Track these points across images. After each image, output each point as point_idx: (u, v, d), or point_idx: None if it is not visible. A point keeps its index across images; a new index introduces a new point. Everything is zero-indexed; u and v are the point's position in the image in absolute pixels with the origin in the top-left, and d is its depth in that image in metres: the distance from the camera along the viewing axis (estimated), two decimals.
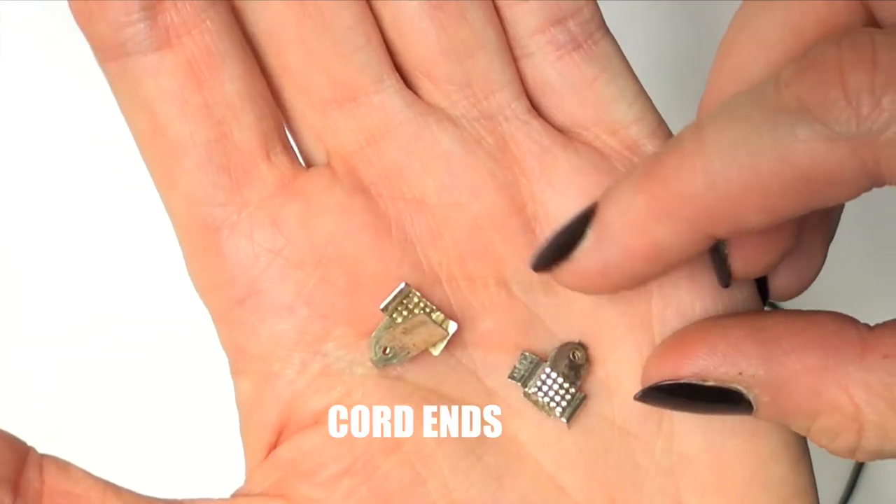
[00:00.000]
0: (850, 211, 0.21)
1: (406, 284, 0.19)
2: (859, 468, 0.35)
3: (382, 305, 0.19)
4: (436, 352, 0.19)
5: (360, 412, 0.19)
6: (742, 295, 0.20)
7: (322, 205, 0.19)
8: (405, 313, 0.19)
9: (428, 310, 0.19)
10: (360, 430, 0.19)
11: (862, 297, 0.33)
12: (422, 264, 0.19)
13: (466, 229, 0.19)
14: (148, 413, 0.39)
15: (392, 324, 0.19)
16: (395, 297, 0.19)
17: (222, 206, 0.19)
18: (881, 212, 0.34)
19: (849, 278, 0.34)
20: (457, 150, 0.19)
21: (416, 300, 0.19)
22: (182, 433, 0.39)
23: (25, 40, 0.39)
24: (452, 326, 0.19)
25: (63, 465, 0.19)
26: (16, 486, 0.18)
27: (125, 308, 0.39)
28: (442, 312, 0.19)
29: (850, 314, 0.18)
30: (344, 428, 0.19)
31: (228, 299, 0.19)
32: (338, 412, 0.19)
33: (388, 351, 0.19)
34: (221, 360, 0.21)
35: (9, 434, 0.18)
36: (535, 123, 0.20)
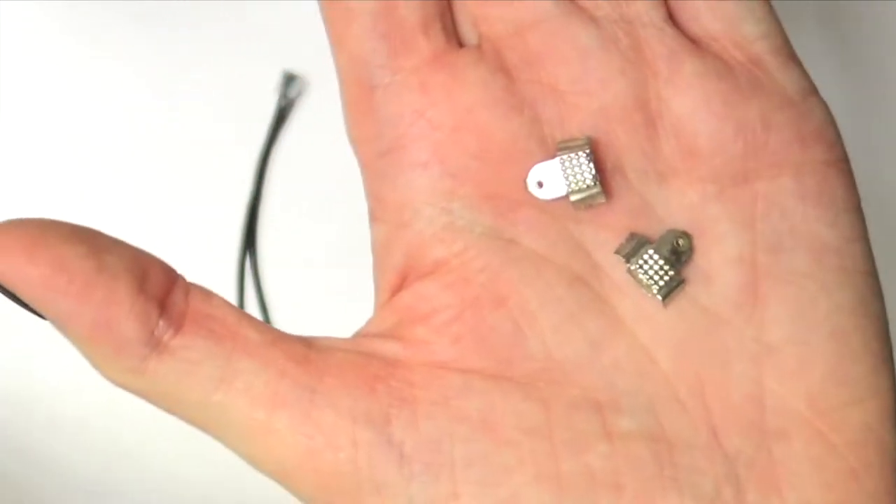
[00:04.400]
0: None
1: (589, 138, 0.21)
2: None
3: (560, 140, 0.21)
4: (573, 198, 0.21)
5: (472, 267, 0.21)
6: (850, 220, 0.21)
7: (466, 78, 0.22)
8: (570, 153, 0.21)
9: (590, 161, 0.21)
10: (471, 282, 0.21)
11: None
12: (547, 142, 0.22)
13: (592, 116, 0.21)
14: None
15: (555, 158, 0.21)
16: (572, 140, 0.21)
17: (379, 68, 0.22)
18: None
19: None
20: (593, 45, 0.22)
21: (588, 151, 0.21)
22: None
23: (25, 40, 0.39)
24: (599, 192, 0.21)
25: (206, 293, 0.21)
26: (163, 305, 0.20)
27: None
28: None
29: None
30: (458, 279, 0.21)
31: (374, 151, 0.22)
32: (454, 264, 0.21)
33: (541, 183, 0.21)
34: None
35: (161, 261, 0.21)
36: (669, 30, 0.22)
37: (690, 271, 0.21)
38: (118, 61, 0.41)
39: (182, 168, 0.40)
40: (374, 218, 0.22)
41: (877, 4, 0.39)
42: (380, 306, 0.22)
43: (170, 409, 0.20)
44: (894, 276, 0.32)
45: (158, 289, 0.20)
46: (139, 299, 0.20)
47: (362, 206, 0.41)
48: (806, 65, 0.23)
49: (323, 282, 0.40)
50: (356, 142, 0.23)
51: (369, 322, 0.22)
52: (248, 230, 0.40)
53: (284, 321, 0.40)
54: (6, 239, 0.20)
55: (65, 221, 0.20)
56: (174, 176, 0.40)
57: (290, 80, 0.41)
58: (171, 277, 0.20)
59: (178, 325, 0.20)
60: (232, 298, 0.40)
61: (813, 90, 0.22)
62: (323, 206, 0.41)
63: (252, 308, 0.40)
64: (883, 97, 0.38)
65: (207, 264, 0.40)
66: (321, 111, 0.41)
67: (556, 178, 0.21)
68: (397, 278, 0.22)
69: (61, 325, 0.20)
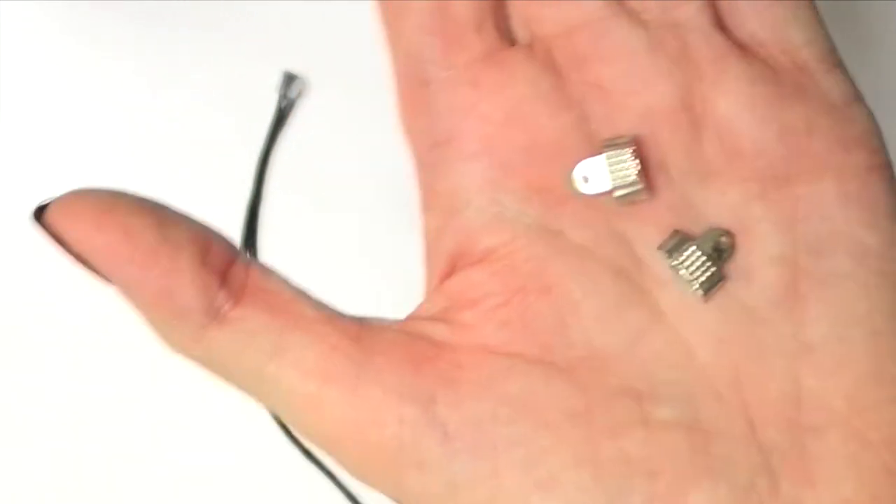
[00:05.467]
0: None
1: (635, 136, 0.22)
2: None
3: (606, 138, 0.22)
4: (616, 194, 0.21)
5: (519, 257, 0.22)
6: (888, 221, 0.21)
7: (517, 74, 0.22)
8: (615, 150, 0.21)
9: (636, 159, 0.21)
10: (518, 271, 0.21)
11: None
12: (593, 139, 0.22)
13: (637, 116, 0.22)
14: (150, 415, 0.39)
15: (601, 154, 0.22)
16: (618, 138, 0.22)
17: (433, 64, 0.23)
18: None
19: None
20: (641, 47, 0.22)
21: (632, 149, 0.21)
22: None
23: (25, 40, 0.39)
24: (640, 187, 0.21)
25: (266, 270, 0.21)
26: (224, 277, 0.20)
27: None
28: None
29: None
30: (506, 267, 0.22)
31: (426, 143, 0.23)
32: (502, 253, 0.22)
33: (586, 178, 0.22)
34: None
35: (223, 236, 0.21)
36: (716, 35, 0.22)
37: (731, 269, 0.21)
38: (118, 61, 0.41)
39: (182, 168, 0.40)
40: (425, 208, 0.23)
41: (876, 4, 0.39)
42: (430, 292, 0.23)
43: (225, 377, 0.21)
44: None
45: (220, 262, 0.21)
46: (201, 270, 0.20)
47: (362, 207, 0.41)
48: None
49: (323, 282, 0.40)
50: (409, 134, 0.23)
51: (420, 306, 0.22)
52: (248, 230, 0.40)
53: None
54: (77, 207, 0.21)
55: (134, 193, 0.21)
56: (174, 176, 0.40)
57: (290, 80, 0.41)
58: (232, 252, 0.21)
59: (237, 298, 0.20)
60: None
61: (857, 96, 0.22)
62: (323, 205, 0.41)
63: None
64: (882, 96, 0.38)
65: None
66: (321, 111, 0.41)
67: (601, 173, 0.21)
68: (448, 265, 0.22)
69: (126, 292, 0.20)
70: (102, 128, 0.40)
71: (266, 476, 0.39)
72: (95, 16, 0.39)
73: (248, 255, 0.22)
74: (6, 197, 0.40)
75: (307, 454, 0.39)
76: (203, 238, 0.21)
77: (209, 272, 0.20)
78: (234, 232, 0.40)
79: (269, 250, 0.40)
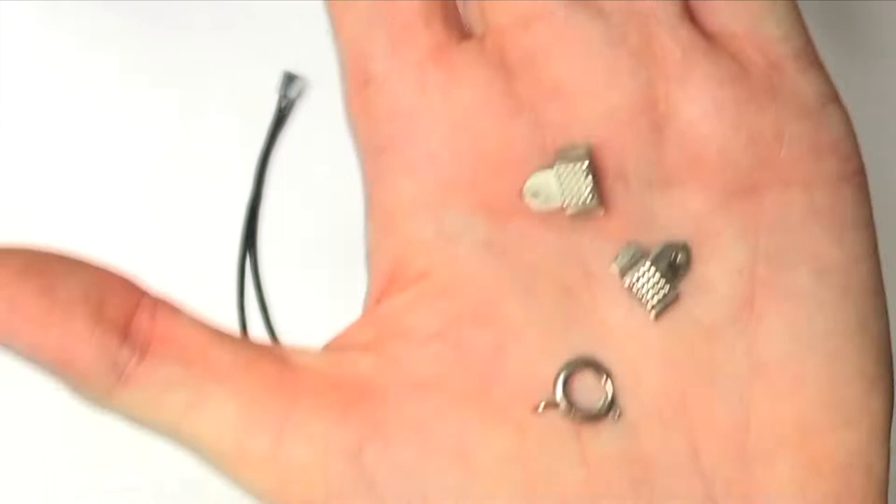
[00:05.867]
0: None
1: (590, 146, 0.20)
2: None
3: (560, 148, 0.20)
4: (569, 211, 0.20)
5: (458, 279, 0.20)
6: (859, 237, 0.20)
7: (465, 77, 0.21)
8: (568, 164, 0.20)
9: (588, 174, 0.20)
10: (456, 296, 0.20)
11: None
12: (547, 147, 0.21)
13: (596, 120, 0.20)
14: None
15: (552, 167, 0.20)
16: (573, 149, 0.20)
17: (376, 60, 0.21)
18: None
19: None
20: (601, 42, 0.20)
21: (586, 163, 0.20)
22: None
23: (25, 41, 0.39)
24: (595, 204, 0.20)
25: (174, 312, 0.20)
26: (125, 331, 0.19)
27: None
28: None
29: None
30: (443, 291, 0.20)
31: (370, 146, 0.21)
32: (441, 275, 0.20)
33: (536, 193, 0.20)
34: None
35: (125, 278, 0.20)
36: (684, 28, 0.21)
37: (687, 282, 0.20)
38: (118, 62, 0.41)
39: (182, 168, 0.40)
40: (368, 218, 0.22)
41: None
42: (365, 311, 0.21)
43: (146, 430, 0.20)
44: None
45: (119, 314, 0.19)
46: (97, 330, 0.19)
47: (362, 207, 0.41)
48: None
49: (323, 282, 0.40)
50: (354, 136, 0.22)
51: (351, 327, 0.21)
52: (248, 230, 0.40)
53: (284, 321, 0.40)
54: None
55: (18, 250, 0.20)
56: (174, 176, 0.40)
57: (290, 80, 0.41)
58: (133, 299, 0.20)
59: (142, 351, 0.19)
60: (232, 298, 0.40)
61: (833, 97, 0.21)
62: (323, 206, 0.41)
63: (252, 308, 0.40)
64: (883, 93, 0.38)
65: (207, 264, 0.40)
66: (321, 111, 0.41)
67: (552, 188, 0.20)
68: (385, 281, 0.21)
69: (28, 360, 0.20)
70: (102, 128, 0.40)
71: None
72: (95, 16, 0.39)
73: (153, 295, 0.20)
74: (6, 197, 0.40)
75: None
76: (97, 291, 0.20)
77: (107, 330, 0.19)
78: (234, 232, 0.40)
79: (269, 250, 0.40)
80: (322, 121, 0.41)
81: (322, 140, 0.41)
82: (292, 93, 0.41)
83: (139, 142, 0.40)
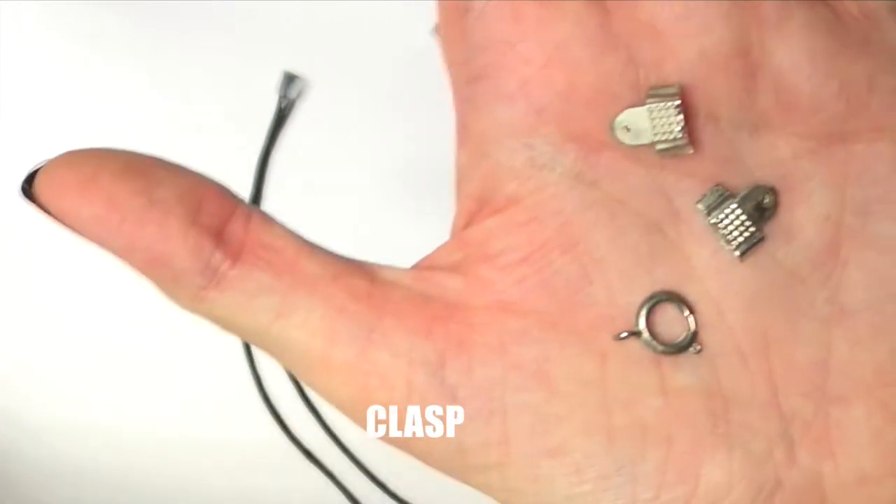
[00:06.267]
0: None
1: (682, 86, 0.20)
2: None
3: (652, 86, 0.20)
4: (658, 147, 0.20)
5: (546, 207, 0.21)
6: None
7: (562, 9, 0.21)
8: (659, 101, 0.20)
9: (680, 113, 0.20)
10: (543, 224, 0.21)
11: None
12: (639, 85, 0.21)
13: (690, 61, 0.20)
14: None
15: (643, 105, 0.20)
16: (665, 87, 0.20)
17: None
18: None
19: None
20: None
21: (678, 102, 0.20)
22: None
23: (25, 41, 0.39)
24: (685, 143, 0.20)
25: (268, 221, 0.20)
26: (220, 236, 0.20)
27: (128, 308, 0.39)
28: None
29: None
30: (531, 219, 0.21)
31: (462, 77, 0.21)
32: (529, 203, 0.21)
33: (627, 128, 0.20)
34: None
35: (220, 186, 0.20)
36: None
37: (773, 226, 0.21)
38: (118, 62, 0.41)
39: None
40: (459, 143, 0.22)
41: None
42: (453, 235, 0.22)
43: (234, 334, 0.21)
44: None
45: (214, 219, 0.20)
46: (192, 232, 0.20)
47: (362, 206, 0.41)
48: None
49: None
50: (447, 65, 0.22)
51: (439, 249, 0.22)
52: None
53: None
54: (61, 178, 0.20)
55: (120, 152, 0.20)
56: None
57: (290, 80, 0.41)
58: (229, 206, 0.20)
59: (235, 256, 0.20)
60: None
61: None
62: (323, 205, 0.41)
63: None
64: None
65: None
66: (321, 111, 0.41)
67: (643, 125, 0.20)
68: (474, 207, 0.21)
69: (120, 258, 0.20)
70: (102, 128, 0.40)
71: (266, 476, 0.39)
72: (95, 16, 0.39)
73: (248, 205, 0.21)
74: (6, 197, 0.40)
75: (307, 454, 0.39)
76: (195, 195, 0.20)
77: (202, 233, 0.20)
78: None
79: None
80: (322, 121, 0.41)
81: (322, 140, 0.41)
82: (292, 93, 0.41)
83: (139, 141, 0.40)
